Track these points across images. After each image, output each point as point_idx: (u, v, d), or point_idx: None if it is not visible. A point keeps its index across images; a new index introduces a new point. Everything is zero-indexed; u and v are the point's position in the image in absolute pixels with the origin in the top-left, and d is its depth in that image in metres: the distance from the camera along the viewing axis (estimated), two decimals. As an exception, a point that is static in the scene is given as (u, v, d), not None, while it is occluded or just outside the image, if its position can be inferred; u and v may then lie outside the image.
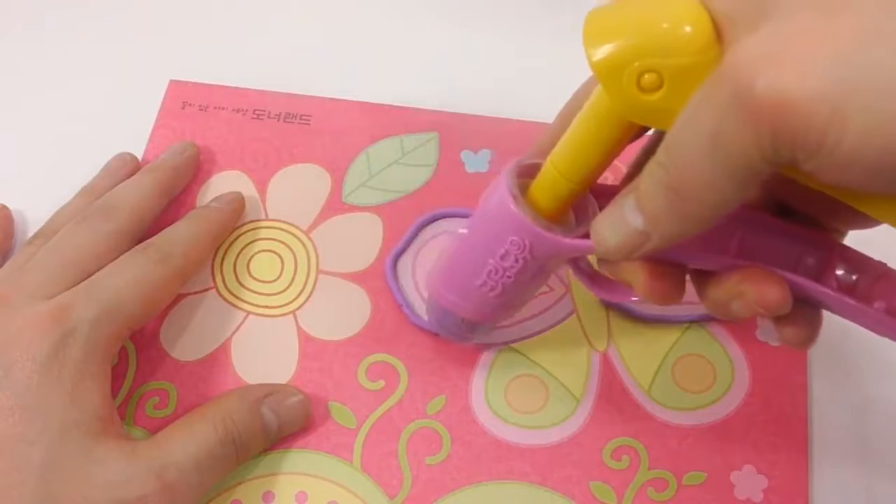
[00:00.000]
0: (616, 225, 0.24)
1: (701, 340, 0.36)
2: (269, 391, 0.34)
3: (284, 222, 0.39)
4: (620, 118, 0.23)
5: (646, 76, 0.21)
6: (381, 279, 0.37)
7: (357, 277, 0.37)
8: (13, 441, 0.29)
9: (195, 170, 0.39)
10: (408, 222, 0.38)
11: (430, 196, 0.39)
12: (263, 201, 0.39)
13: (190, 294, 0.37)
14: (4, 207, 0.38)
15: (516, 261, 0.28)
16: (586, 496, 0.33)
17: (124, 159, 0.39)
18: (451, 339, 0.35)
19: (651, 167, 0.22)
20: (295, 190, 0.39)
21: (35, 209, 0.39)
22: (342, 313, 0.37)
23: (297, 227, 0.38)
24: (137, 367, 0.36)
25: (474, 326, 0.32)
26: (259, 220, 0.39)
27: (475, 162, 0.40)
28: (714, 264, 0.26)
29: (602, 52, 0.22)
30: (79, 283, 0.32)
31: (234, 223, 0.38)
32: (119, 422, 0.31)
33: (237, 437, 0.32)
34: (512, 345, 0.36)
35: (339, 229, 0.38)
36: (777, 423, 0.34)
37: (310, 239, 0.38)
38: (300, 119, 0.41)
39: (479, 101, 0.41)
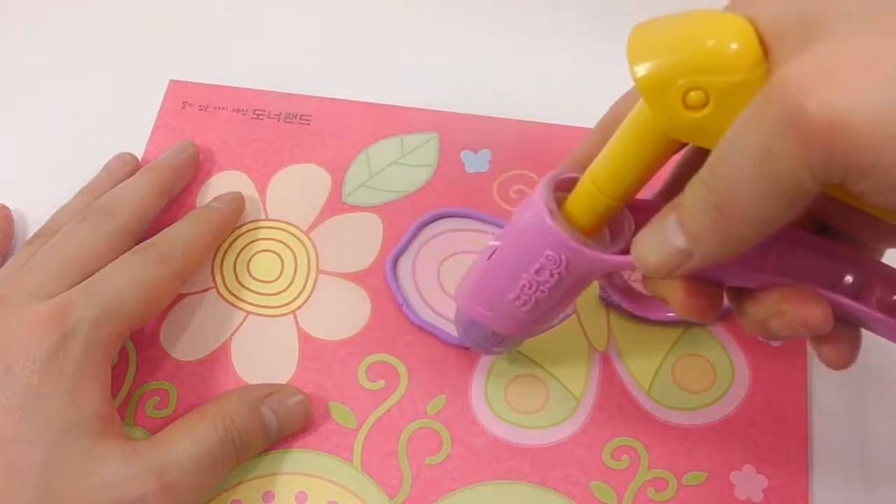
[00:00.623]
0: (658, 243, 0.23)
1: (701, 340, 0.36)
2: (269, 391, 0.34)
3: (284, 222, 0.39)
4: (663, 135, 0.23)
5: (691, 94, 0.21)
6: (381, 279, 0.37)
7: (357, 277, 0.37)
8: (13, 441, 0.29)
9: (195, 169, 0.39)
10: (408, 222, 0.38)
11: (430, 196, 0.39)
12: (263, 201, 0.39)
13: (190, 294, 0.37)
14: (4, 207, 0.39)
15: (551, 275, 0.28)
16: (586, 496, 0.33)
17: (124, 159, 0.39)
18: (478, 350, 0.35)
19: (694, 185, 0.22)
20: (295, 190, 0.39)
21: (35, 209, 0.39)
22: (342, 313, 0.37)
23: (297, 227, 0.38)
24: (137, 367, 0.36)
25: (503, 339, 0.32)
26: (259, 220, 0.39)
27: (475, 162, 0.40)
28: (752, 282, 0.26)
29: (647, 67, 0.22)
30: (79, 282, 0.32)
31: (234, 223, 0.38)
32: (119, 422, 0.31)
33: (237, 437, 0.32)
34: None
35: (339, 229, 0.38)
36: (777, 423, 0.34)
37: (310, 239, 0.38)
38: (300, 119, 0.41)
39: (479, 101, 0.41)
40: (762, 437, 0.34)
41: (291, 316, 0.37)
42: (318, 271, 0.38)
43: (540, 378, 0.35)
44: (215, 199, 0.38)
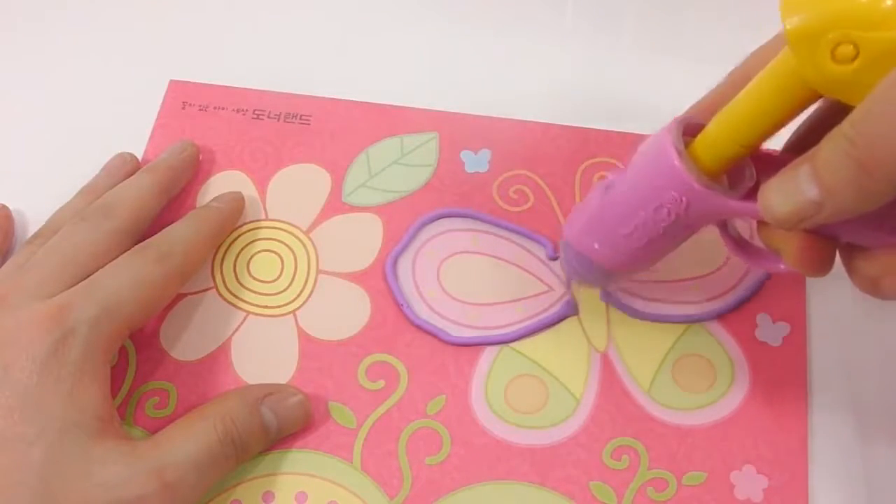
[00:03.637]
0: (789, 193, 0.23)
1: (701, 340, 0.36)
2: (269, 391, 0.34)
3: (284, 222, 0.39)
4: (805, 86, 0.23)
5: (841, 47, 0.21)
6: (381, 279, 0.37)
7: (357, 277, 0.37)
8: (12, 440, 0.29)
9: (195, 169, 0.39)
10: (408, 222, 0.38)
11: (429, 196, 0.39)
12: (263, 201, 0.39)
13: (190, 294, 0.37)
14: (4, 207, 0.39)
15: (669, 215, 0.28)
16: (586, 496, 0.33)
17: (124, 159, 0.39)
18: (582, 284, 0.34)
19: (835, 139, 0.22)
20: (295, 190, 0.39)
21: (35, 209, 0.39)
22: (342, 313, 0.37)
23: (297, 227, 0.38)
24: (137, 367, 0.36)
25: (609, 274, 0.32)
26: (259, 220, 0.39)
27: (475, 162, 0.40)
28: (869, 240, 0.26)
29: (798, 19, 0.22)
30: (78, 282, 0.32)
31: (233, 223, 0.38)
32: (118, 422, 0.31)
33: (237, 437, 0.32)
34: (512, 344, 0.36)
35: (339, 229, 0.38)
36: (777, 422, 0.34)
37: (310, 239, 0.38)
38: (300, 119, 0.41)
39: (478, 101, 0.41)
40: (762, 437, 0.34)
41: (291, 316, 0.37)
42: (318, 271, 0.38)
43: (540, 378, 0.35)
44: (215, 198, 0.38)
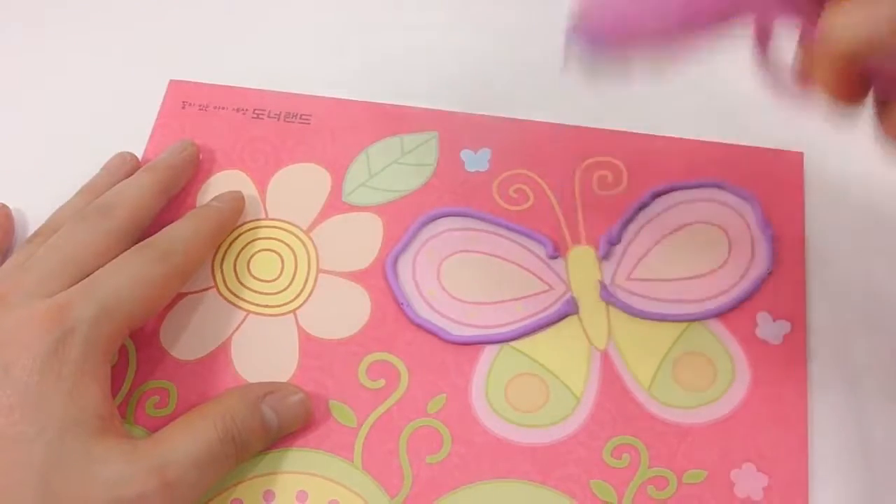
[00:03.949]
0: (870, 17, 0.22)
1: (701, 338, 0.36)
2: (270, 390, 0.34)
3: (284, 221, 0.39)
4: None
5: None
6: (382, 278, 0.37)
7: (357, 277, 0.37)
8: (13, 439, 0.29)
9: (195, 168, 0.39)
10: (408, 221, 0.38)
11: (430, 195, 0.39)
12: (263, 201, 0.39)
13: (190, 293, 0.37)
14: (4, 206, 0.39)
15: None
16: (587, 494, 0.33)
17: (124, 158, 0.39)
18: (596, 60, 0.29)
19: None
20: (295, 189, 0.39)
21: (34, 209, 0.39)
22: (342, 312, 0.37)
23: (297, 227, 0.38)
24: (137, 367, 0.36)
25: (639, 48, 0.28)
26: (259, 220, 0.39)
27: (475, 161, 0.40)
28: None
29: None
30: (78, 281, 0.32)
31: (234, 222, 0.38)
32: (119, 420, 0.31)
33: (237, 435, 0.32)
34: (512, 343, 0.36)
35: (339, 229, 0.38)
36: (777, 421, 0.34)
37: (310, 238, 0.38)
38: (300, 119, 0.41)
39: (478, 100, 0.41)
40: (762, 436, 0.34)
41: (292, 315, 0.37)
42: (319, 270, 0.38)
43: (540, 377, 0.35)
44: (215, 197, 0.38)
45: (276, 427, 0.33)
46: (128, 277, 0.32)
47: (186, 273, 0.35)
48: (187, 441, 0.31)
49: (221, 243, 0.38)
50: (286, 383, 0.35)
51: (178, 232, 0.35)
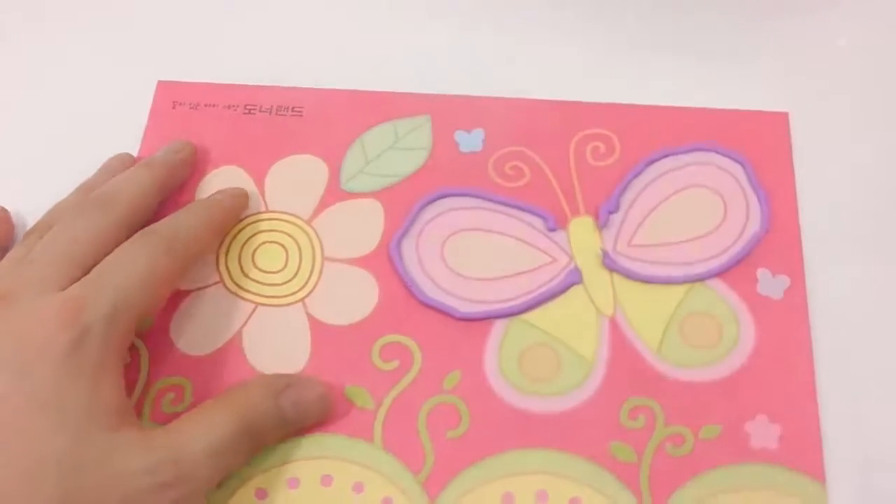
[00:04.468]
0: None
1: (704, 298, 0.37)
2: (289, 382, 0.34)
3: (285, 213, 0.39)
4: None
5: None
6: (386, 261, 0.37)
7: (362, 262, 0.38)
8: (32, 439, 0.29)
9: (192, 167, 0.39)
10: (408, 205, 0.39)
11: (427, 178, 0.39)
12: (262, 194, 0.39)
13: (197, 289, 0.37)
14: (3, 209, 0.38)
15: None
16: (607, 456, 0.34)
17: (122, 159, 0.39)
18: None
19: None
20: (293, 181, 0.39)
21: (25, 211, 0.39)
22: (350, 298, 0.37)
23: (298, 217, 0.39)
24: (150, 366, 0.36)
25: None
26: (260, 213, 0.39)
27: (469, 141, 0.40)
28: None
29: None
30: (82, 273, 0.32)
31: (237, 215, 0.38)
32: (134, 414, 0.31)
33: (253, 426, 0.32)
34: (520, 316, 0.36)
35: (340, 217, 0.39)
36: (785, 372, 0.35)
37: (312, 228, 0.38)
38: (292, 111, 0.41)
39: (469, 82, 0.41)
40: (772, 387, 0.35)
41: (300, 304, 0.37)
42: (324, 258, 0.38)
43: (551, 346, 0.36)
44: (219, 192, 0.38)
45: (294, 420, 0.33)
46: (136, 270, 0.32)
47: (189, 265, 0.35)
48: (203, 432, 0.31)
49: (224, 238, 0.38)
50: (307, 377, 0.35)
51: (184, 222, 0.35)
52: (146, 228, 0.34)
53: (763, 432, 0.34)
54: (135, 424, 0.31)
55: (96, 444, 0.29)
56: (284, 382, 0.34)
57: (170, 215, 0.35)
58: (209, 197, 0.38)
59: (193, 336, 0.36)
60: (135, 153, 0.40)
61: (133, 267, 0.32)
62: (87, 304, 0.30)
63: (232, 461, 0.32)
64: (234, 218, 0.38)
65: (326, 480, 0.34)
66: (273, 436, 0.33)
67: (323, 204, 0.39)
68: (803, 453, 0.34)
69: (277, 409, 0.33)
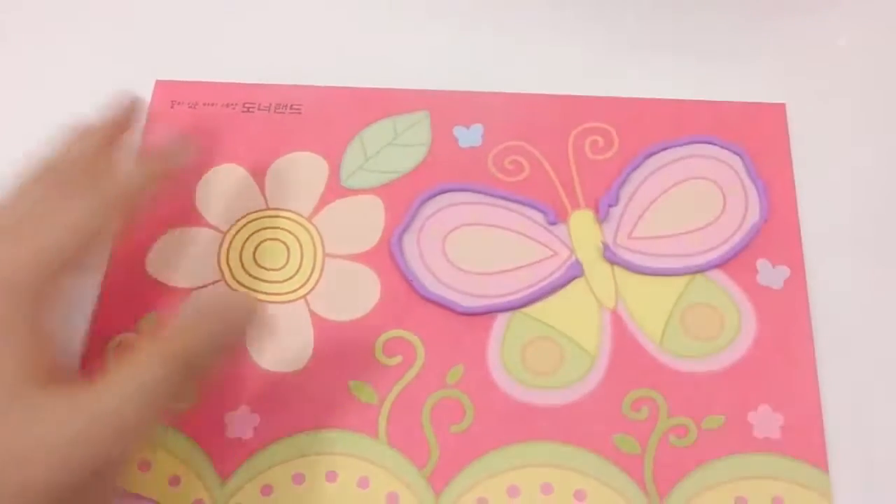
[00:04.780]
0: None
1: (705, 289, 0.37)
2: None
3: (286, 210, 0.39)
4: None
5: None
6: (388, 257, 0.38)
7: (363, 258, 0.38)
8: None
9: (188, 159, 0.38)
10: (408, 200, 0.39)
11: (426, 173, 0.39)
12: (263, 191, 0.39)
13: (199, 287, 0.37)
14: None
15: None
16: (611, 448, 0.34)
17: (80, 135, 0.36)
18: None
19: None
20: (293, 178, 0.39)
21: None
22: (353, 293, 0.37)
23: (298, 214, 0.39)
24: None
25: None
26: (260, 210, 0.39)
27: (468, 137, 0.40)
28: None
29: None
30: None
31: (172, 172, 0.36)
32: (61, 369, 0.30)
33: (183, 364, 0.29)
34: (523, 310, 0.37)
35: (340, 213, 0.39)
36: (786, 362, 0.35)
37: (313, 225, 0.38)
38: (291, 109, 0.41)
39: (467, 78, 0.41)
40: (774, 377, 0.35)
41: (302, 301, 0.37)
42: (325, 255, 0.38)
43: (554, 339, 0.36)
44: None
45: (221, 332, 0.31)
46: (63, 223, 0.31)
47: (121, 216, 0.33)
48: (131, 380, 0.29)
49: (225, 235, 0.38)
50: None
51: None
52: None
53: (766, 422, 0.34)
54: (63, 380, 0.29)
55: (19, 403, 0.27)
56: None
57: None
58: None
59: (196, 334, 0.36)
60: (133, 153, 0.40)
61: (61, 219, 0.31)
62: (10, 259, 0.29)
63: (165, 402, 0.29)
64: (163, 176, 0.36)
65: (331, 476, 0.34)
66: (208, 360, 0.31)
67: (323, 201, 0.39)
68: (806, 442, 0.34)
69: (201, 331, 0.30)
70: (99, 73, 0.43)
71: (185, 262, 0.38)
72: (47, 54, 0.43)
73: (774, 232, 0.38)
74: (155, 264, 0.38)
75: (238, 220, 0.38)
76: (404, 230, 0.38)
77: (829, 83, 0.41)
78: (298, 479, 0.34)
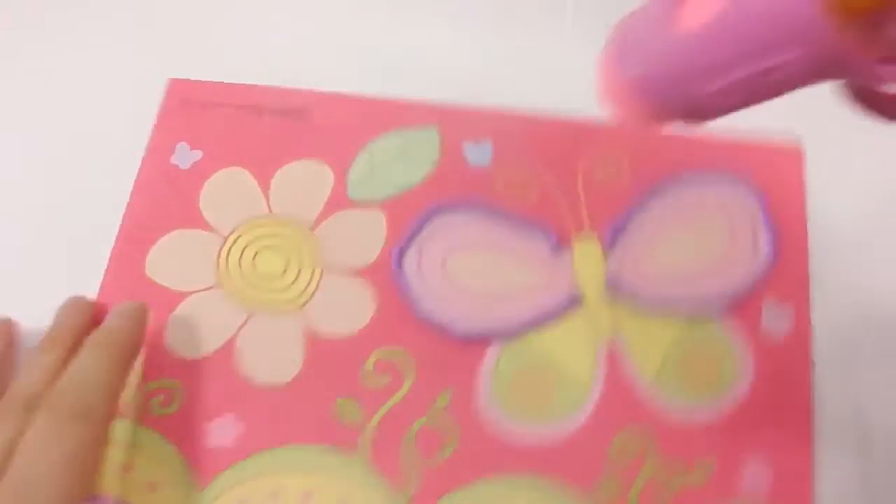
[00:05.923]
0: None
1: (704, 332, 0.36)
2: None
3: (288, 218, 0.38)
4: None
5: None
6: (387, 274, 0.37)
7: (362, 272, 0.37)
8: None
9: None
10: (411, 216, 0.38)
11: (432, 189, 0.39)
12: (267, 198, 0.39)
13: (195, 292, 0.37)
14: (9, 321, 0.36)
15: (783, 77, 0.21)
16: (595, 488, 0.33)
17: (80, 308, 0.35)
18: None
19: None
20: (298, 186, 0.39)
21: (33, 212, 0.39)
22: (348, 308, 0.37)
23: (301, 223, 0.38)
24: (144, 366, 0.36)
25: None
26: (263, 217, 0.38)
27: (477, 155, 0.40)
28: None
29: None
30: None
31: (139, 342, 0.35)
32: None
33: (80, 410, 0.30)
34: (518, 337, 0.36)
35: (343, 225, 0.38)
36: (781, 413, 0.35)
37: (314, 235, 0.38)
38: (302, 115, 0.41)
39: (478, 93, 0.41)
40: (767, 428, 0.34)
41: (297, 312, 0.37)
42: (324, 267, 0.37)
43: (546, 371, 0.35)
44: (114, 314, 0.35)
45: (117, 354, 0.32)
46: (54, 457, 0.29)
47: (109, 424, 0.32)
48: (42, 454, 0.29)
49: (225, 241, 0.38)
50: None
51: (87, 375, 0.31)
52: (50, 399, 0.30)
53: (755, 473, 0.34)
54: None
55: None
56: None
57: (68, 370, 0.31)
58: (105, 328, 0.34)
59: (189, 339, 0.36)
60: (141, 151, 0.40)
61: (49, 456, 0.29)
62: None
63: (78, 453, 0.29)
64: (137, 345, 0.35)
65: (308, 495, 0.33)
66: (104, 400, 0.31)
67: (327, 211, 0.39)
68: (793, 499, 0.33)
69: (95, 371, 0.31)
70: (114, 70, 0.43)
71: (183, 265, 0.37)
72: (59, 53, 0.43)
73: (782, 274, 0.37)
74: (154, 266, 0.37)
75: (240, 226, 0.38)
76: (405, 247, 0.38)
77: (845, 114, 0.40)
78: (275, 496, 0.33)
